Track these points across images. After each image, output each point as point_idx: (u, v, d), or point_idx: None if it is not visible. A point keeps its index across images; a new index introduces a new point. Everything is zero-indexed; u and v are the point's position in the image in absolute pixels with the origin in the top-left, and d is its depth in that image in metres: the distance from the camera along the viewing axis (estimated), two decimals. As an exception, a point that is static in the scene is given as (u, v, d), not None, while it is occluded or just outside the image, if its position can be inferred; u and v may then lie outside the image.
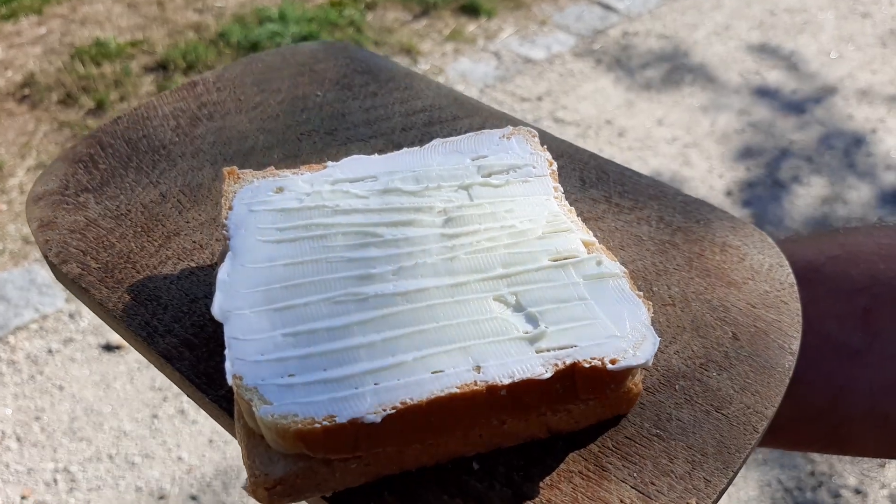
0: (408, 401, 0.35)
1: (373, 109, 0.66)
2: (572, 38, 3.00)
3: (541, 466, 0.40)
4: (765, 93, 2.75)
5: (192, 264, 0.51)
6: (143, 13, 2.99)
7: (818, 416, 0.52)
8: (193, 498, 1.60)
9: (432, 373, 0.36)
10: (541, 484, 0.39)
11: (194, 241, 0.52)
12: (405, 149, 0.51)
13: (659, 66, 2.88)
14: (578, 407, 0.40)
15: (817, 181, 2.40)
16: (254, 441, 0.36)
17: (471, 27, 3.01)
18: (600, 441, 0.41)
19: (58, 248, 0.51)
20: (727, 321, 0.48)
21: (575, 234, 0.44)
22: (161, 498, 1.60)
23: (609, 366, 0.37)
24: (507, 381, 0.36)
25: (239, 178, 0.48)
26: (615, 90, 2.76)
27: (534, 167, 0.49)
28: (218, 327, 0.41)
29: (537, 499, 0.38)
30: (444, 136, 0.64)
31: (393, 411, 0.35)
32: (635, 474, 0.40)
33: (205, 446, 1.70)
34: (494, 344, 0.38)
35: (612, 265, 0.43)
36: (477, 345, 0.38)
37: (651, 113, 2.65)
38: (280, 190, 0.47)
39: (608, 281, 0.42)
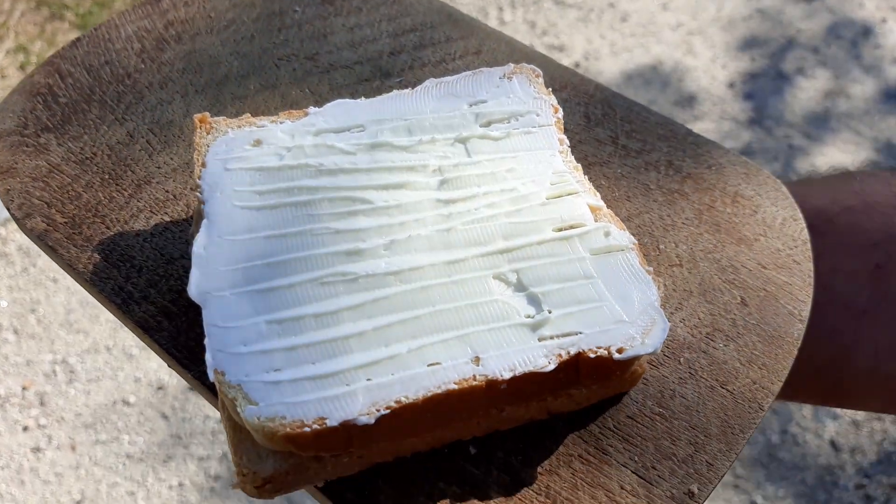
0: (403, 399, 0.33)
1: (357, 28, 0.59)
2: None
3: (540, 450, 0.38)
4: (775, -24, 2.59)
5: (166, 218, 0.47)
6: None
7: (819, 373, 0.51)
8: (191, 388, 1.63)
9: (428, 365, 0.34)
10: (539, 469, 0.38)
11: (167, 191, 0.48)
12: (395, 91, 0.46)
13: (665, -56, 2.68)
14: (581, 391, 0.38)
15: (822, 73, 2.31)
16: (240, 436, 0.34)
17: None
18: (601, 421, 0.40)
19: (20, 200, 0.47)
20: (736, 284, 0.46)
21: (581, 199, 0.41)
22: (160, 388, 1.63)
23: (616, 355, 0.35)
24: (507, 376, 0.34)
25: (212, 127, 0.43)
26: (618, -30, 2.58)
27: (537, 115, 0.45)
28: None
29: (536, 485, 0.37)
30: (437, 61, 0.58)
31: (387, 412, 0.32)
32: (636, 458, 0.38)
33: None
34: (494, 331, 0.35)
35: (620, 236, 0.39)
36: (476, 332, 0.35)
37: (654, -4, 2.50)
38: (258, 143, 0.42)
39: (616, 255, 0.39)
